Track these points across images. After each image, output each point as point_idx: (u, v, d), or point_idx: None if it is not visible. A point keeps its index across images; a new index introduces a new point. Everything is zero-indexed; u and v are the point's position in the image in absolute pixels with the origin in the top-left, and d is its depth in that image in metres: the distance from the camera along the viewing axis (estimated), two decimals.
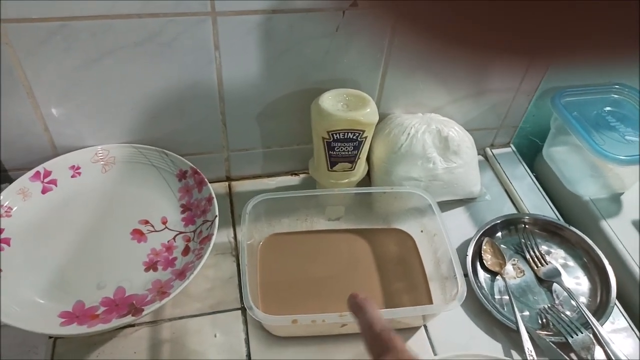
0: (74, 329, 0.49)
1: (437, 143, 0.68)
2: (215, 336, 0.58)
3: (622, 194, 0.74)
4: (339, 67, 0.64)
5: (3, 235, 0.56)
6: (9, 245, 0.56)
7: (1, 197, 0.58)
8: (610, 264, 0.65)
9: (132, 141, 0.65)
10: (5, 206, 0.58)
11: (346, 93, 0.63)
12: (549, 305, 0.63)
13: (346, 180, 0.68)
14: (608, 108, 0.73)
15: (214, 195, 0.61)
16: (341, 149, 0.64)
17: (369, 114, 0.62)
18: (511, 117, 0.79)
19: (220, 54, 0.59)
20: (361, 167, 0.68)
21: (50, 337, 0.56)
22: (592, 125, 0.69)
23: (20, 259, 0.55)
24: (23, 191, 0.60)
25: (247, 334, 0.59)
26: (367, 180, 0.73)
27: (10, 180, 0.62)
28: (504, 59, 0.16)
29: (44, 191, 0.61)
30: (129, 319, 0.49)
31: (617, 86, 0.75)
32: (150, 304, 0.51)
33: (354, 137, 0.63)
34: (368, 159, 0.71)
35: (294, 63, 0.62)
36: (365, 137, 0.64)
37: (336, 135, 0.62)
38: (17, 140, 0.61)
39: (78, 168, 0.63)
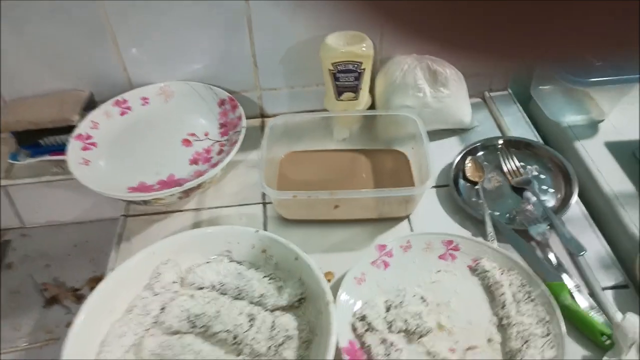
0: (136, 195, 0.69)
1: (426, 76, 0.82)
2: (241, 219, 0.76)
3: (601, 121, 0.83)
4: (344, 16, 0.80)
5: (92, 140, 0.78)
6: (96, 147, 0.77)
7: (90, 116, 0.80)
8: (578, 175, 0.75)
9: (187, 79, 0.85)
10: (94, 121, 0.79)
11: (348, 34, 0.79)
12: (518, 206, 0.74)
13: (352, 109, 0.83)
14: None
15: (242, 114, 0.79)
16: (345, 79, 0.80)
17: (364, 47, 0.77)
18: None
19: (250, 7, 0.78)
20: (364, 98, 0.83)
21: (122, 216, 0.77)
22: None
23: (103, 155, 0.76)
24: (107, 113, 0.81)
25: (265, 219, 0.76)
26: None
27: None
28: (490, 60, 0.16)
29: (122, 114, 0.82)
30: (174, 189, 0.68)
31: None
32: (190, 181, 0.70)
33: (354, 68, 0.78)
34: (372, 93, 0.86)
35: (306, 13, 0.79)
36: (364, 69, 0.79)
37: (339, 66, 0.78)
38: (104, 77, 0.83)
39: (147, 98, 0.84)
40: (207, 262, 0.66)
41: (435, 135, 0.86)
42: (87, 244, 0.87)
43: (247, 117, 0.84)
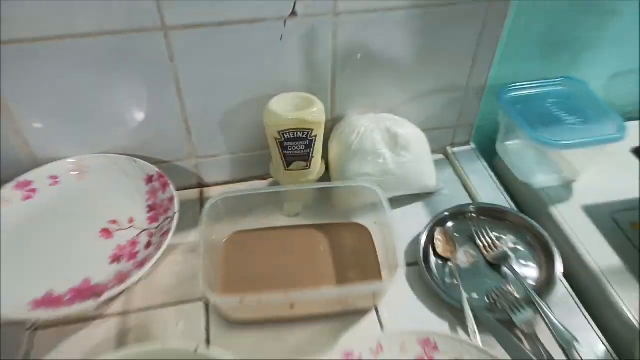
0: (41, 313, 0.55)
1: (386, 139, 0.73)
2: (177, 325, 0.63)
3: (574, 181, 0.77)
4: (289, 73, 0.70)
5: None
6: None
7: None
8: (558, 246, 0.68)
9: (105, 151, 0.72)
10: None
11: (295, 96, 0.69)
12: (497, 287, 0.66)
13: (303, 180, 0.73)
14: (553, 100, 0.77)
15: (175, 195, 0.66)
16: (294, 147, 0.69)
17: (315, 112, 0.67)
18: (465, 116, 0.83)
19: (176, 64, 0.66)
20: (317, 166, 0.73)
21: (27, 329, 0.62)
22: (535, 117, 0.73)
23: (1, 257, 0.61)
24: (6, 199, 0.66)
25: (207, 321, 0.63)
26: (327, 180, 0.77)
27: None
28: None
29: (25, 199, 0.68)
30: (89, 303, 0.54)
31: (561, 78, 0.79)
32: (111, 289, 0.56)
33: (304, 136, 0.68)
34: (325, 159, 0.75)
35: (245, 71, 0.68)
36: (315, 136, 0.69)
37: (287, 134, 0.67)
38: (2, 154, 0.68)
39: (56, 177, 0.70)
40: None
41: (399, 201, 0.77)
42: None
43: (184, 188, 0.72)
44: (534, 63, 0.79)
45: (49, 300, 0.57)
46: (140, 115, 0.70)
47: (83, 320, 0.62)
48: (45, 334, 0.61)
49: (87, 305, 0.55)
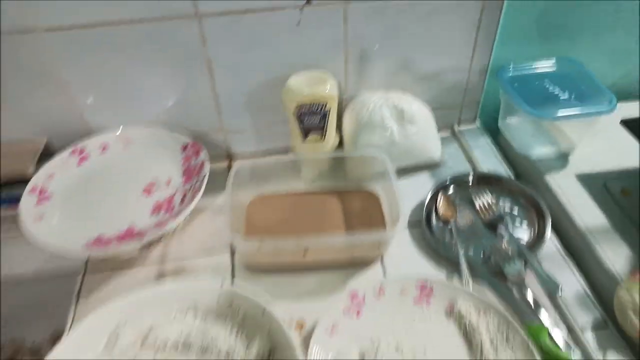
0: (93, 251, 0.65)
1: (393, 114, 0.81)
2: (207, 270, 0.72)
3: (569, 153, 0.83)
4: (306, 55, 0.79)
5: (47, 194, 0.74)
6: (49, 200, 0.73)
7: (46, 167, 0.76)
8: (552, 210, 0.74)
9: (148, 123, 0.83)
10: (50, 173, 0.76)
11: (310, 74, 0.78)
12: (492, 244, 0.72)
13: (319, 149, 0.81)
14: (549, 79, 0.83)
15: (206, 160, 0.77)
16: (310, 121, 0.78)
17: (328, 88, 0.76)
18: (471, 95, 0.90)
19: (208, 48, 0.76)
20: (331, 138, 0.81)
21: (82, 272, 0.72)
22: (532, 94, 0.79)
23: (57, 209, 0.73)
24: (63, 163, 0.78)
25: (233, 267, 0.72)
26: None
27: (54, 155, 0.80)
28: None
29: (79, 163, 0.79)
30: (134, 243, 0.65)
31: (558, 59, 0.85)
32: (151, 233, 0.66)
33: (319, 110, 0.77)
34: (340, 134, 0.84)
35: (266, 54, 0.78)
36: (329, 109, 0.77)
37: (303, 108, 0.76)
38: (61, 124, 0.80)
39: (105, 146, 0.81)
40: (170, 320, 0.63)
41: (406, 172, 0.84)
42: (45, 300, 0.82)
43: (214, 160, 0.81)
44: (533, 45, 0.86)
45: (100, 242, 0.68)
46: (176, 94, 0.81)
47: (127, 267, 0.73)
48: (95, 277, 0.72)
49: (132, 245, 0.65)
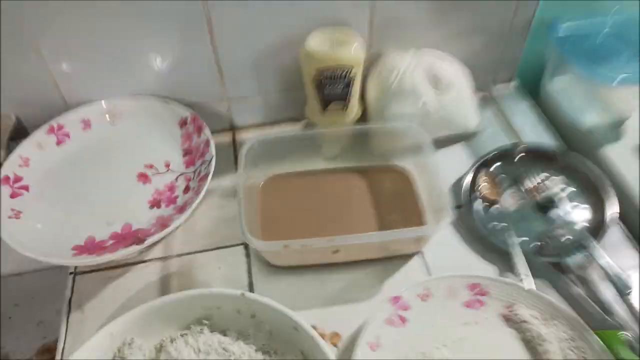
0: (84, 259, 0.54)
1: (427, 79, 0.69)
2: (219, 268, 0.62)
3: (625, 121, 0.72)
4: (324, 8, 0.65)
5: (23, 183, 0.61)
6: (28, 191, 0.61)
7: (18, 149, 0.63)
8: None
9: (138, 93, 0.69)
10: (24, 157, 0.63)
11: (333, 32, 0.65)
12: (546, 230, 0.63)
13: (341, 121, 0.70)
14: (605, 33, 0.71)
15: (211, 138, 0.64)
16: (332, 88, 0.66)
17: (355, 49, 0.63)
18: (510, 52, 0.78)
19: (208, 4, 0.62)
20: (354, 108, 0.70)
21: (71, 274, 0.62)
22: (586, 52, 0.68)
23: (38, 202, 0.61)
24: (39, 144, 0.65)
25: (249, 265, 0.62)
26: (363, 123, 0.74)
27: (27, 135, 0.67)
28: None
29: (58, 143, 0.66)
30: (133, 248, 0.54)
31: (615, 9, 0.73)
32: (153, 235, 0.55)
33: (343, 75, 0.64)
34: (364, 100, 0.72)
35: (278, 8, 0.64)
36: (355, 74, 0.65)
37: (325, 73, 0.64)
38: (32, 96, 0.66)
39: (88, 121, 0.68)
40: (182, 335, 0.53)
41: (438, 143, 0.73)
42: (31, 301, 0.72)
43: (216, 131, 0.69)
44: None
45: (91, 246, 0.56)
46: (171, 57, 0.67)
47: (124, 265, 0.62)
48: (89, 278, 0.62)
49: (131, 251, 0.54)
